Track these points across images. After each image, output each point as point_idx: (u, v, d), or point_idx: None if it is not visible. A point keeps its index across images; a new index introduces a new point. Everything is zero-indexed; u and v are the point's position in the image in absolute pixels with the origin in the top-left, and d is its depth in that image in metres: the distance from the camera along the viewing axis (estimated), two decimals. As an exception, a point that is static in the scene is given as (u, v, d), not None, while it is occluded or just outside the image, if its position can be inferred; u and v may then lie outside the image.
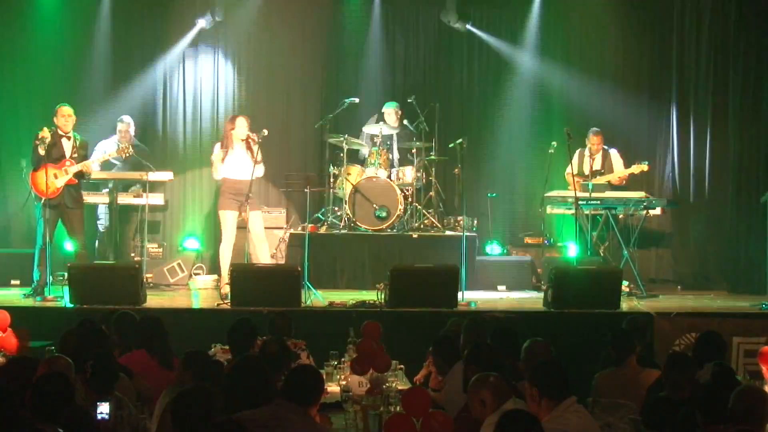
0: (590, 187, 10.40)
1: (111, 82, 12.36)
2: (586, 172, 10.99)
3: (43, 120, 11.51)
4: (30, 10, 11.99)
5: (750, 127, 11.57)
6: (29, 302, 9.41)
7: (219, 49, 12.53)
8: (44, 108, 11.74)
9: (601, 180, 10.74)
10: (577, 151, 11.10)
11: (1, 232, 12.00)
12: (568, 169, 10.72)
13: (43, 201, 9.64)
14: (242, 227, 10.90)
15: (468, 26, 12.46)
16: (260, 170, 10.05)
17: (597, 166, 11.03)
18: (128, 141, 11.09)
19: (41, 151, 9.60)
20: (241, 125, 10.02)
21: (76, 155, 9.86)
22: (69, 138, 9.88)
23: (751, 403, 4.58)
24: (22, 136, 11.69)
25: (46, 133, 9.66)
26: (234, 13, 12.38)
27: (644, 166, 10.82)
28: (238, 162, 9.93)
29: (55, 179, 9.68)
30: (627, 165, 11.00)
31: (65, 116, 9.85)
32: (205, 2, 12.29)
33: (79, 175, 9.87)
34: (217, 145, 10.17)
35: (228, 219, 9.96)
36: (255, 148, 9.92)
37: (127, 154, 10.40)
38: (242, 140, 9.98)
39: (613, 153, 11.09)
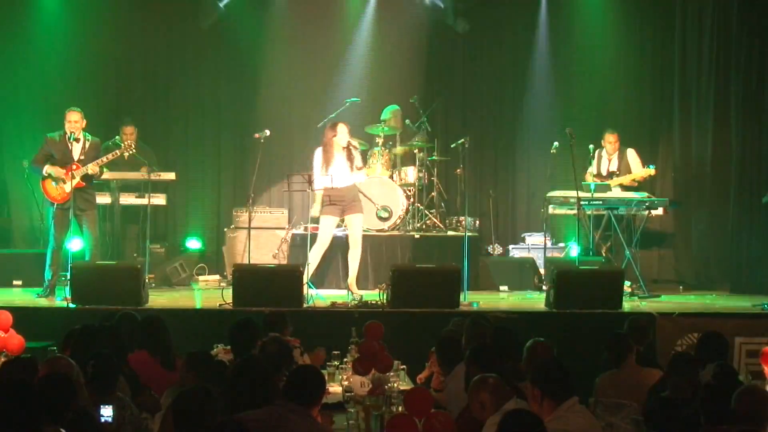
0: (592, 187, 10.40)
1: (114, 83, 12.37)
2: (604, 173, 10.99)
3: (44, 121, 11.59)
4: (32, 11, 12.00)
5: (752, 127, 11.54)
6: (30, 302, 9.41)
7: (221, 49, 12.54)
8: (46, 109, 11.81)
9: (615, 182, 10.73)
10: (597, 152, 11.13)
11: (3, 233, 12.00)
12: (590, 169, 10.85)
13: (55, 206, 9.70)
14: (244, 227, 10.91)
15: (468, 28, 12.45)
16: (361, 176, 10.04)
17: (613, 167, 11.00)
18: (132, 142, 11.11)
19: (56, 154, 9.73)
20: (342, 132, 9.93)
21: (83, 157, 9.80)
22: (78, 140, 9.80)
23: (754, 404, 4.58)
24: (24, 137, 11.73)
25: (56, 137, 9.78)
26: (235, 13, 12.38)
27: (651, 171, 10.85)
28: (339, 169, 9.86)
29: (63, 184, 9.67)
30: (645, 164, 11.00)
31: (70, 122, 9.76)
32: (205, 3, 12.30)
33: (88, 177, 9.81)
34: (318, 152, 10.09)
35: (326, 224, 9.93)
36: (356, 153, 9.93)
37: (130, 152, 10.29)
38: (343, 147, 9.93)
39: (630, 153, 11.04)
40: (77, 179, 9.66)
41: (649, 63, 12.34)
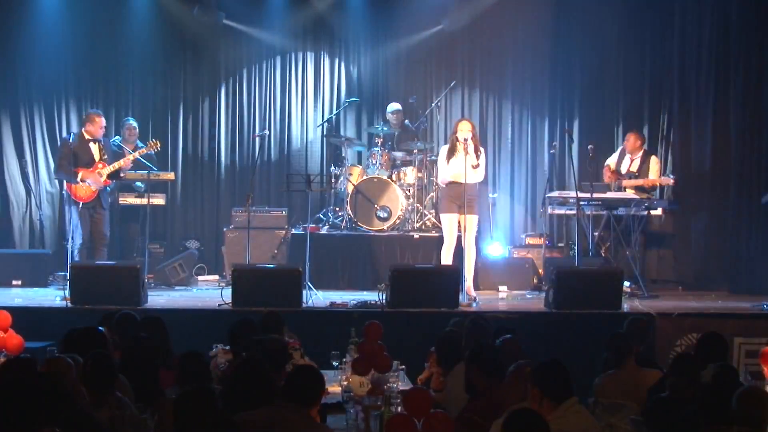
0: (592, 187, 10.40)
1: (114, 83, 12.36)
2: (623, 171, 11.00)
3: (44, 121, 11.60)
4: (32, 9, 11.98)
5: (751, 127, 11.53)
6: (30, 302, 9.41)
7: (219, 48, 12.53)
8: (46, 109, 11.81)
9: (631, 183, 10.74)
10: (620, 149, 11.16)
11: (3, 233, 12.00)
12: (609, 161, 10.92)
13: (80, 205, 9.99)
14: (243, 227, 10.89)
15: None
16: (480, 174, 9.98)
17: (634, 167, 11.00)
18: (133, 141, 11.13)
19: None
20: (464, 128, 9.89)
21: (106, 156, 10.21)
22: (95, 142, 10.21)
23: (753, 404, 4.58)
24: (23, 137, 11.74)
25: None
26: (235, 12, 12.37)
27: (670, 180, 11.00)
28: (459, 165, 9.82)
29: (90, 184, 10.06)
30: (665, 172, 11.01)
31: (102, 126, 10.26)
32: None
33: (114, 174, 10.26)
34: (444, 148, 10.06)
35: (448, 222, 9.93)
36: (475, 152, 9.85)
37: (157, 149, 10.70)
38: (464, 145, 9.83)
39: (653, 160, 11.06)
40: (104, 177, 10.14)
41: (649, 62, 12.32)
